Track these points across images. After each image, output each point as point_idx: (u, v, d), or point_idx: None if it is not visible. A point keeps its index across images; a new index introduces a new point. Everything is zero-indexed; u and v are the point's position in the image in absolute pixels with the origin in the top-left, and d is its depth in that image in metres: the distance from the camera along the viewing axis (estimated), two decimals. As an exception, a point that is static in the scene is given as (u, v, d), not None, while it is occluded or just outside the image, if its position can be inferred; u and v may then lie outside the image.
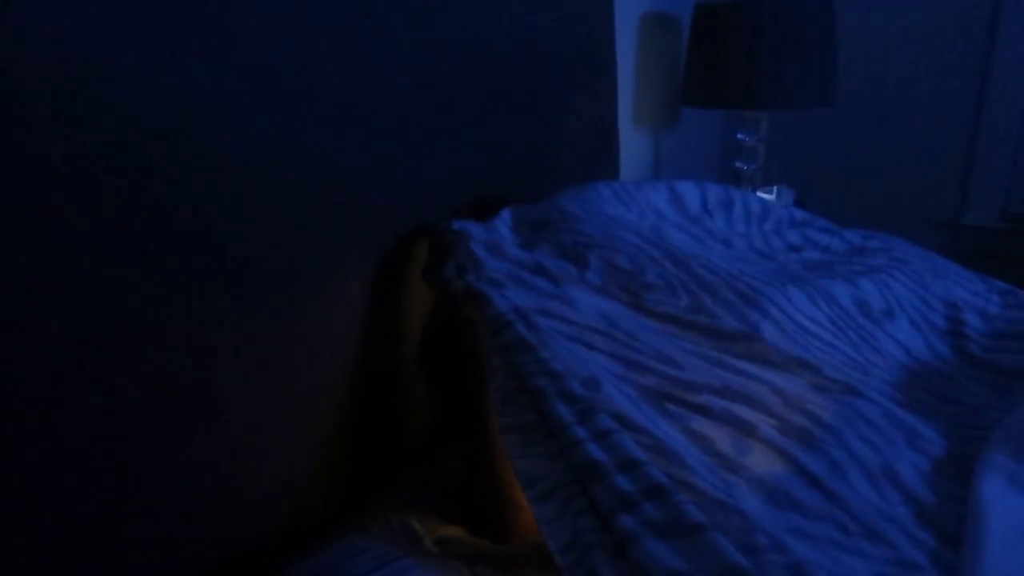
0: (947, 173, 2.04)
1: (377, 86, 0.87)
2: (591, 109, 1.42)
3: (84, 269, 0.59)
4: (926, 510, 0.66)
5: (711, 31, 1.67)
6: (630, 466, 0.60)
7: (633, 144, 1.82)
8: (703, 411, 0.70)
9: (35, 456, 0.58)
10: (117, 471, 0.64)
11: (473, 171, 1.07)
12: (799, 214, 1.19)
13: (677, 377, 0.72)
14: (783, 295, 0.83)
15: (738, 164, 1.82)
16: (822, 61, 1.64)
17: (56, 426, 0.59)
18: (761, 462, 0.67)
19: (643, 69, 1.81)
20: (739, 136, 1.82)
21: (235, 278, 0.72)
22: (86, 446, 0.61)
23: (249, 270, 0.73)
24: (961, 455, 0.72)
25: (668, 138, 1.99)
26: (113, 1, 0.58)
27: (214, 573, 0.73)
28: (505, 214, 0.96)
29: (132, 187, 0.61)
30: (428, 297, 0.97)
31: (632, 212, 0.99)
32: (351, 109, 0.83)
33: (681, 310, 0.80)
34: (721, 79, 1.67)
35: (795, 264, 1.00)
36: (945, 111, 2.00)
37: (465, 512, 0.86)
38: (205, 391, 0.71)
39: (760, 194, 1.74)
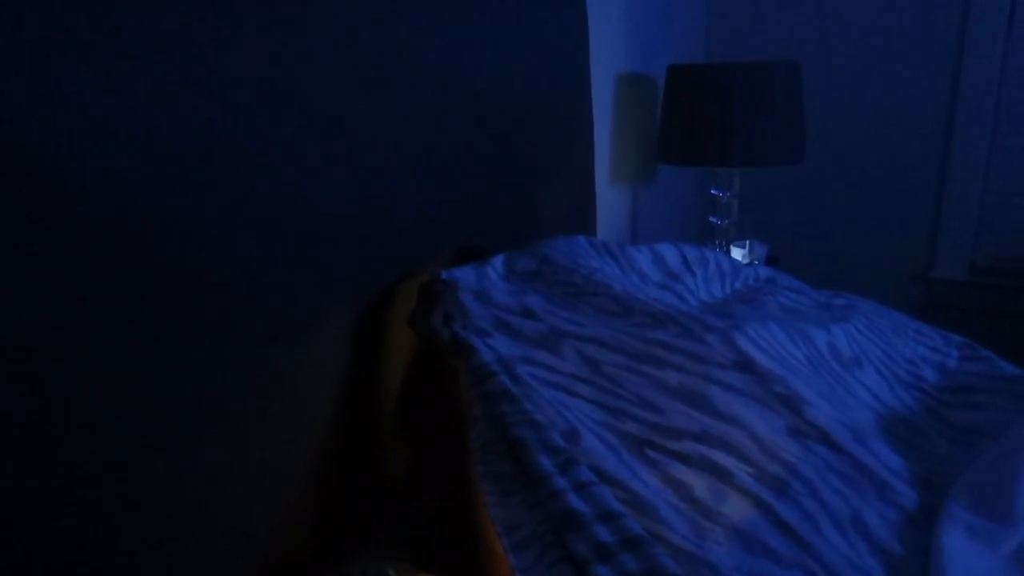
0: (916, 228, 2.10)
1: (361, 143, 0.89)
2: (569, 166, 1.46)
3: (68, 315, 0.59)
4: (895, 561, 0.67)
5: (684, 92, 1.73)
6: (609, 517, 0.61)
7: (610, 200, 1.86)
8: (682, 458, 0.71)
9: (14, 513, 0.57)
10: (91, 527, 0.63)
11: (454, 223, 1.09)
12: (765, 272, 1.23)
13: (658, 423, 0.73)
14: (766, 329, 0.85)
15: (712, 219, 1.86)
16: (791, 120, 1.70)
17: (38, 481, 0.59)
18: (737, 509, 0.68)
19: (619, 128, 1.87)
20: (713, 192, 1.86)
21: (216, 328, 0.73)
22: (57, 502, 0.61)
23: (231, 321, 0.74)
24: (930, 506, 0.73)
25: (644, 194, 2.04)
26: (115, 70, 0.61)
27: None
28: (497, 262, 0.99)
29: (119, 238, 0.63)
30: (408, 346, 0.98)
31: (617, 267, 1.02)
32: (336, 165, 0.86)
33: (671, 336, 0.81)
34: (694, 137, 1.72)
35: (772, 307, 1.03)
36: (912, 168, 2.07)
37: (442, 561, 0.86)
38: (180, 442, 0.71)
39: (734, 248, 1.78)
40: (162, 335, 0.67)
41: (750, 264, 1.43)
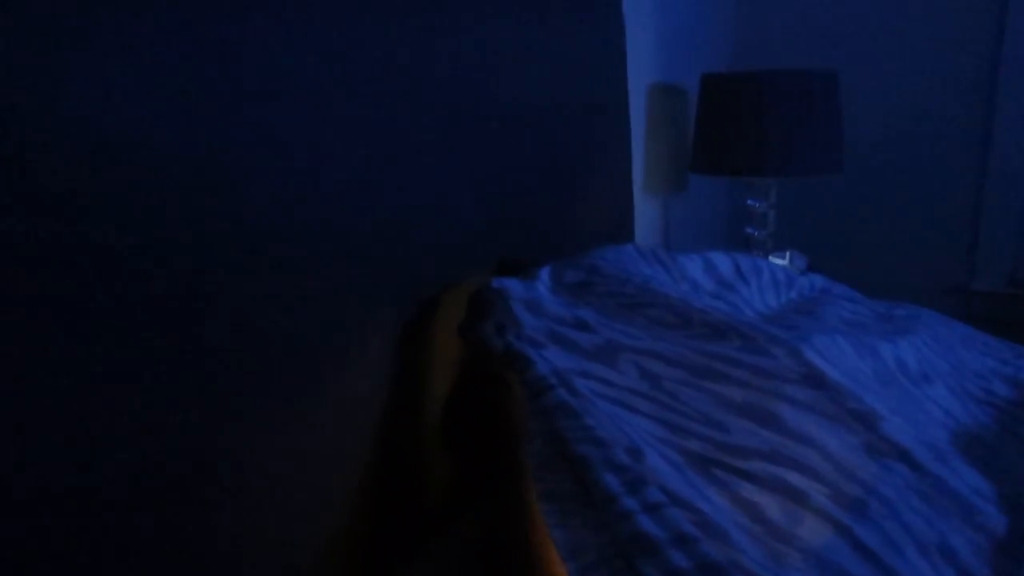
0: (955, 239, 2.05)
1: (401, 154, 0.87)
2: (607, 176, 1.43)
3: (104, 327, 0.57)
4: None
5: (718, 100, 1.70)
6: (683, 541, 0.57)
7: (643, 211, 1.83)
8: (752, 478, 0.67)
9: (25, 542, 0.55)
10: (121, 556, 0.60)
11: (495, 235, 1.07)
12: (820, 282, 1.19)
13: (724, 442, 0.70)
14: (832, 341, 0.81)
15: (749, 230, 1.83)
16: (828, 128, 1.67)
17: (55, 506, 0.56)
18: (814, 532, 0.64)
19: (652, 138, 1.84)
20: (749, 203, 1.83)
21: (254, 344, 0.70)
22: (88, 524, 0.58)
23: (268, 336, 0.72)
24: (1020, 531, 0.69)
25: (676, 205, 2.01)
26: (140, 76, 0.59)
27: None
28: (544, 274, 0.95)
29: (148, 251, 0.60)
30: (452, 359, 0.95)
31: (668, 276, 0.98)
32: (376, 175, 0.83)
33: (733, 349, 0.78)
34: (729, 147, 1.69)
35: (832, 319, 0.99)
36: (949, 177, 2.02)
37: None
38: (217, 465, 0.68)
39: (772, 259, 1.74)
40: (190, 350, 0.65)
41: (803, 274, 1.39)
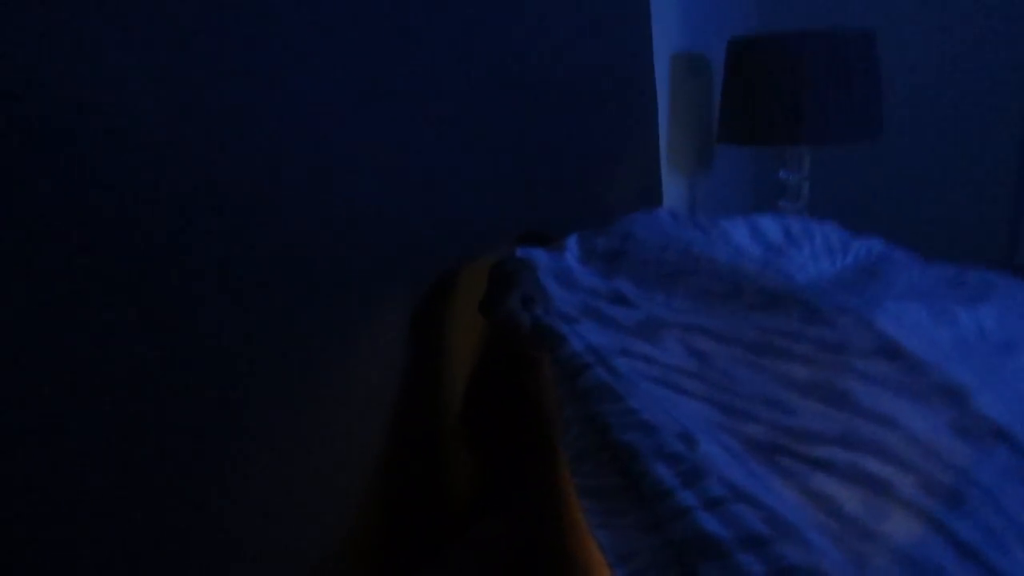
0: (998, 210, 1.94)
1: (417, 124, 0.78)
2: (633, 148, 1.34)
3: (105, 300, 0.49)
4: None
5: (748, 66, 1.59)
6: (754, 542, 0.48)
7: (668, 189, 1.74)
8: (825, 466, 0.58)
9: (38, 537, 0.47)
10: (127, 555, 0.53)
11: (514, 209, 0.98)
12: (878, 245, 1.08)
13: (789, 426, 0.60)
14: (905, 307, 0.71)
15: (781, 203, 1.72)
16: (866, 92, 1.56)
17: (61, 502, 0.48)
18: (902, 528, 0.55)
19: (675, 110, 1.74)
20: (780, 175, 1.72)
21: (263, 327, 0.62)
22: (93, 523, 0.50)
23: (279, 320, 0.64)
24: None
25: (702, 179, 1.91)
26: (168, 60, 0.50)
27: None
28: (571, 243, 0.86)
29: (162, 228, 0.52)
30: (471, 342, 0.87)
31: (708, 237, 0.88)
32: (390, 147, 0.75)
33: (794, 321, 0.68)
34: (760, 115, 1.59)
35: (900, 284, 0.88)
36: (993, 144, 1.91)
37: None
38: (225, 460, 0.60)
39: (808, 233, 1.63)
40: (197, 333, 0.57)
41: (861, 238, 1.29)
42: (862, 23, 1.91)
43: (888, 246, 1.07)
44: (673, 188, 1.79)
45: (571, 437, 0.60)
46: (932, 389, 0.62)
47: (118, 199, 0.51)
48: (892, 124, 1.83)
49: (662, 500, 0.52)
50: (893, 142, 1.88)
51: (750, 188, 2.07)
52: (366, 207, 0.72)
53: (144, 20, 0.52)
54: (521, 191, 0.99)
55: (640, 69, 1.35)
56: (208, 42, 0.56)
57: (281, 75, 0.62)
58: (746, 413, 0.62)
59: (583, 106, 1.14)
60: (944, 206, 1.96)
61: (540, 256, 0.80)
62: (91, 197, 0.49)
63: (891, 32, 1.90)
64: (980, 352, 0.73)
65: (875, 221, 1.94)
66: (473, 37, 0.86)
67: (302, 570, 0.68)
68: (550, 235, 1.00)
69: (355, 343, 0.72)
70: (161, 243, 0.54)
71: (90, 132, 0.49)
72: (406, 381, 0.79)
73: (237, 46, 0.59)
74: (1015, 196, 1.93)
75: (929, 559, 0.53)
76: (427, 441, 0.83)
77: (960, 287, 0.89)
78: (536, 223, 1.01)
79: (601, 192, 1.22)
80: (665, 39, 1.66)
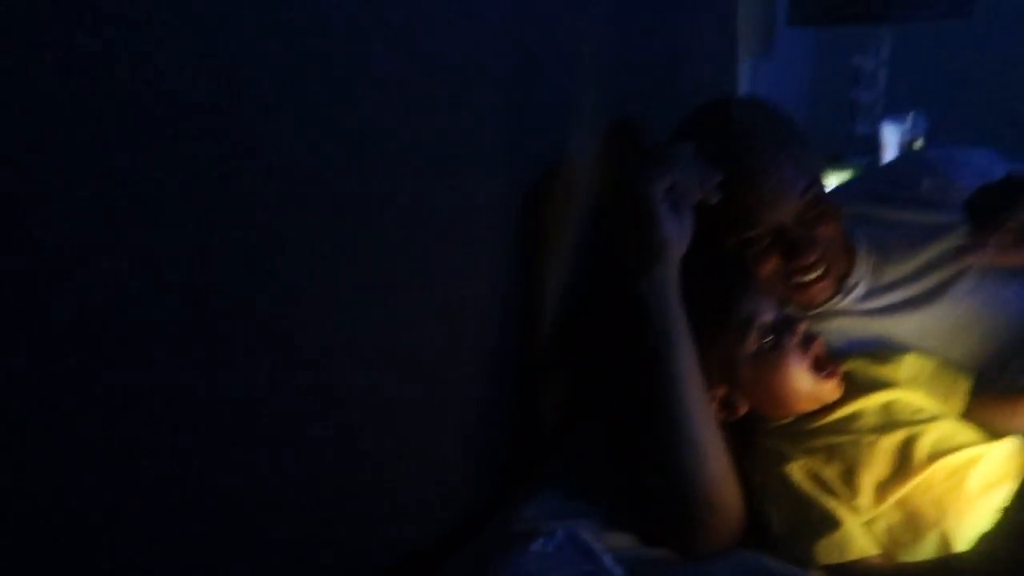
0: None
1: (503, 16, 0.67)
2: (709, 30, 1.21)
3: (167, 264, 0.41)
4: None
5: (828, -65, 1.43)
6: None
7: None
8: None
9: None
10: (238, 474, 0.48)
11: (597, 101, 0.87)
12: None
13: None
14: None
15: (855, 94, 1.59)
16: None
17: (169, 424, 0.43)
18: None
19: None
20: (855, 60, 1.58)
21: (351, 253, 0.54)
22: (202, 449, 0.46)
23: (365, 242, 0.56)
24: None
25: (765, 67, 1.76)
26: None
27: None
28: None
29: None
30: (563, 255, 0.79)
31: None
32: (482, 36, 0.65)
33: None
34: (839, -8, 1.44)
35: None
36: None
37: (636, 514, 0.69)
38: (326, 385, 0.55)
39: (887, 125, 1.51)
40: (291, 263, 0.49)
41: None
42: None
43: None
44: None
45: None
46: None
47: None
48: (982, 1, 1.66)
49: None
50: (979, 22, 1.72)
51: (819, 77, 1.92)
52: (460, 105, 0.62)
53: None
54: (603, 83, 0.88)
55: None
56: None
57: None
58: None
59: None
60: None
61: None
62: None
63: None
64: None
65: (956, 111, 1.80)
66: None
67: (403, 486, 0.63)
68: (638, 123, 0.91)
69: (453, 260, 0.64)
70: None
71: None
72: (504, 298, 0.72)
73: None
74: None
75: None
76: (523, 355, 0.77)
77: None
78: (616, 109, 0.91)
79: (677, 74, 1.10)
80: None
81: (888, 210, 0.85)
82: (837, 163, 1.47)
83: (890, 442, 0.68)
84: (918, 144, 1.46)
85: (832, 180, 1.25)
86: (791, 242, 0.73)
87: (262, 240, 0.47)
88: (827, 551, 0.63)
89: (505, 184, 0.71)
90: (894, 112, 1.52)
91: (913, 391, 0.74)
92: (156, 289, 0.41)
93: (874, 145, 1.53)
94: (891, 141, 1.49)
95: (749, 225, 0.73)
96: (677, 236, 0.66)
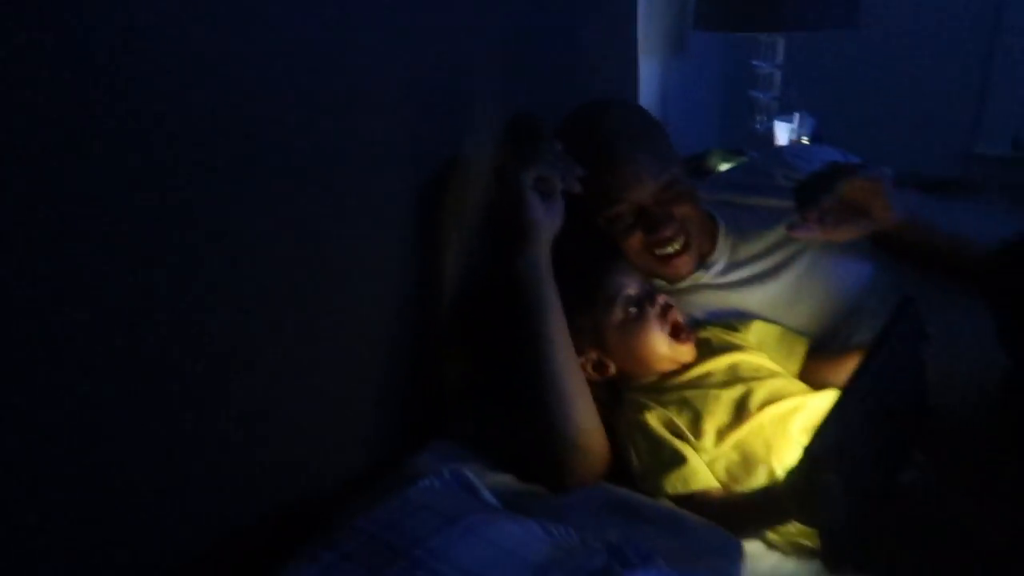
0: (961, 102, 1.97)
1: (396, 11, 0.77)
2: (609, 32, 1.31)
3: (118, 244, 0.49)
4: None
5: (726, -53, 1.56)
6: None
7: (642, 72, 1.71)
8: None
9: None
10: (145, 429, 0.56)
11: (496, 97, 0.97)
12: None
13: None
14: None
15: (753, 93, 1.73)
16: (844, -21, 1.54)
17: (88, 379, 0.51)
18: None
19: (651, -6, 1.70)
20: (754, 63, 1.72)
21: (263, 226, 0.63)
22: (115, 399, 0.53)
23: (277, 217, 0.65)
24: None
25: (675, 67, 1.88)
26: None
27: (255, 528, 0.67)
28: None
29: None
30: (463, 238, 0.88)
31: None
32: (382, 35, 0.74)
33: None
34: (737, 1, 1.56)
35: None
36: (961, 38, 1.92)
37: (516, 458, 0.79)
38: (237, 344, 0.63)
39: (778, 123, 1.65)
40: (204, 232, 0.57)
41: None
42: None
43: None
44: (646, 75, 1.76)
45: None
46: None
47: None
48: (866, 12, 1.82)
49: None
50: (866, 31, 1.87)
51: (725, 77, 2.06)
52: (358, 93, 0.71)
53: None
54: (501, 75, 0.97)
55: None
56: None
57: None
58: None
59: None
60: (911, 99, 1.98)
61: None
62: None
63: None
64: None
65: (845, 112, 1.96)
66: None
67: (312, 449, 0.73)
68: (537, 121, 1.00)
69: (359, 243, 0.74)
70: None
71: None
72: (404, 270, 0.81)
73: None
74: (979, 89, 1.97)
75: None
76: (426, 328, 0.86)
77: None
78: (515, 105, 1.01)
79: (576, 73, 1.20)
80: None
81: (746, 197, 0.98)
82: (738, 156, 1.60)
83: (730, 395, 0.80)
84: (804, 141, 1.60)
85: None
86: (650, 219, 0.85)
87: (181, 225, 0.56)
88: (675, 483, 0.75)
89: (407, 175, 0.80)
90: (787, 112, 1.66)
91: (757, 354, 0.86)
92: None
93: (770, 141, 1.67)
94: (783, 138, 1.63)
95: (613, 204, 0.85)
96: (547, 219, 0.77)
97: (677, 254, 0.88)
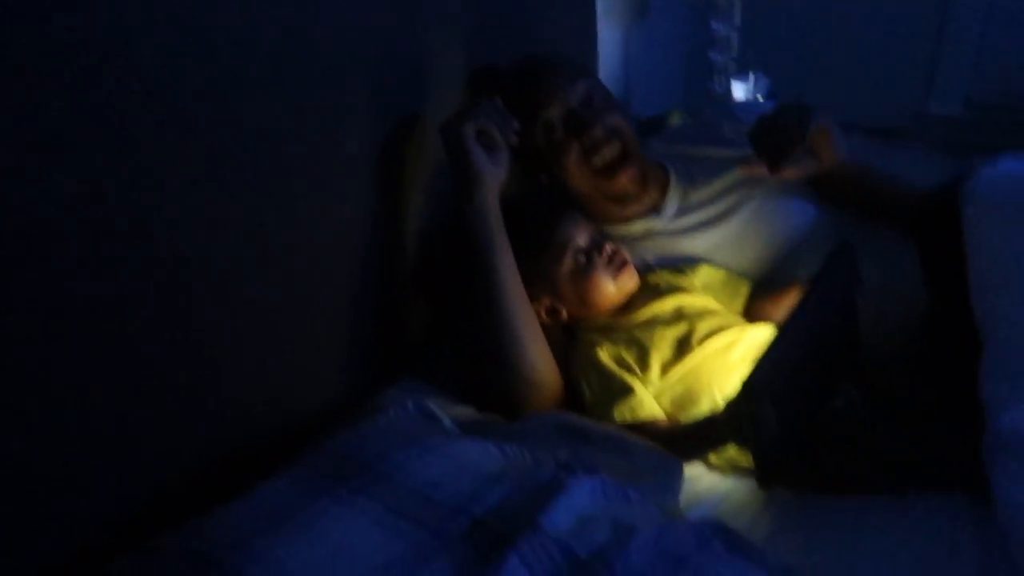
0: (915, 62, 2.03)
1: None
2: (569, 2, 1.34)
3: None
4: None
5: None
6: None
7: (602, 40, 1.74)
8: None
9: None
10: (122, 353, 0.60)
11: (456, 55, 1.00)
12: None
13: None
14: None
15: (712, 55, 1.77)
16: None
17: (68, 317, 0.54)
18: None
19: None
20: (712, 26, 1.76)
21: (235, 172, 0.67)
22: (96, 323, 0.57)
23: (246, 165, 0.68)
24: None
25: (638, 33, 1.92)
26: None
27: (227, 456, 0.71)
28: None
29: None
30: (424, 186, 0.93)
31: None
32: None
33: None
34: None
35: None
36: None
37: (475, 392, 0.85)
38: (209, 279, 0.67)
39: (735, 83, 1.70)
40: (173, 172, 0.61)
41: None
42: None
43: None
44: (609, 41, 1.80)
45: None
46: None
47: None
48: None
49: None
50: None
51: (687, 41, 2.10)
52: (322, 47, 0.75)
53: None
54: (461, 39, 1.01)
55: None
56: None
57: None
58: None
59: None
60: (866, 57, 2.03)
61: None
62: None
63: None
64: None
65: (801, 72, 2.01)
66: None
67: (284, 375, 0.77)
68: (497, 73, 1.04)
69: (316, 177, 0.77)
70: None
71: None
72: (367, 217, 0.85)
73: None
74: (932, 49, 2.02)
75: None
76: (388, 274, 0.91)
77: None
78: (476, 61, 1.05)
79: (538, 43, 1.24)
80: None
81: (696, 148, 1.03)
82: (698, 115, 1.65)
83: (674, 332, 0.86)
84: (760, 100, 1.66)
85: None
86: (579, 120, 0.92)
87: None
88: (624, 412, 0.81)
89: (372, 131, 0.84)
90: (743, 72, 1.71)
91: (703, 295, 0.92)
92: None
93: (728, 101, 1.72)
94: (740, 97, 1.68)
95: (543, 110, 0.92)
96: (491, 169, 0.82)
97: (619, 165, 0.94)
